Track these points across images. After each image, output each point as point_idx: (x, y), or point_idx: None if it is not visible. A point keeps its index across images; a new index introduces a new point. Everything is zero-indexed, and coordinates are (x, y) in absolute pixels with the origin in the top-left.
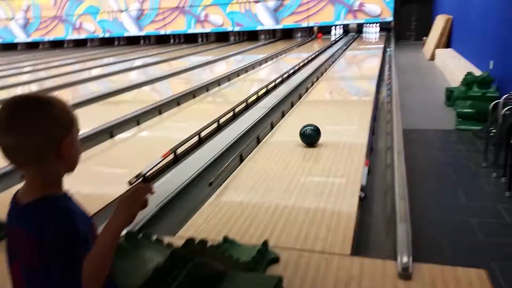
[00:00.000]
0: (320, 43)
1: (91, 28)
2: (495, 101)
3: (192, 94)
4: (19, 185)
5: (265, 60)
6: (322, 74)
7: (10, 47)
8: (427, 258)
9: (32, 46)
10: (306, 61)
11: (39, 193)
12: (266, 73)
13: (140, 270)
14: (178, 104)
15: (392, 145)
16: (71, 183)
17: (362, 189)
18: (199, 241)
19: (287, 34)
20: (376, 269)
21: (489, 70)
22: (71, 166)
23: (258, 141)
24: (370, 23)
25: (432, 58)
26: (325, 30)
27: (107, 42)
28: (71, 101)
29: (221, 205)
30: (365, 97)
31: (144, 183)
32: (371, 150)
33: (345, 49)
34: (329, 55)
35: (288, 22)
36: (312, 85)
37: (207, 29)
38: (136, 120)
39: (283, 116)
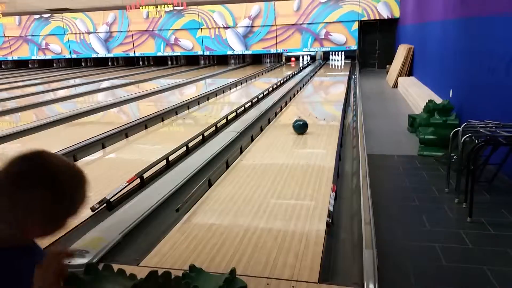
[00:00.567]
0: (293, 67)
1: (57, 49)
2: (455, 129)
3: (161, 117)
4: None
5: (235, 84)
6: (290, 99)
7: None
8: (393, 283)
9: None
10: (275, 86)
11: None
12: (236, 97)
13: None
14: (146, 127)
15: (358, 170)
16: None
17: (329, 215)
18: (163, 273)
19: (256, 59)
20: None
21: (449, 98)
22: None
23: (227, 165)
24: (335, 51)
25: (395, 85)
26: (293, 57)
27: (74, 63)
28: (34, 122)
29: (189, 231)
30: (332, 122)
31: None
32: (338, 175)
33: (313, 75)
34: (297, 80)
35: (257, 48)
36: (281, 109)
37: (177, 52)
38: (101, 143)
39: (252, 140)
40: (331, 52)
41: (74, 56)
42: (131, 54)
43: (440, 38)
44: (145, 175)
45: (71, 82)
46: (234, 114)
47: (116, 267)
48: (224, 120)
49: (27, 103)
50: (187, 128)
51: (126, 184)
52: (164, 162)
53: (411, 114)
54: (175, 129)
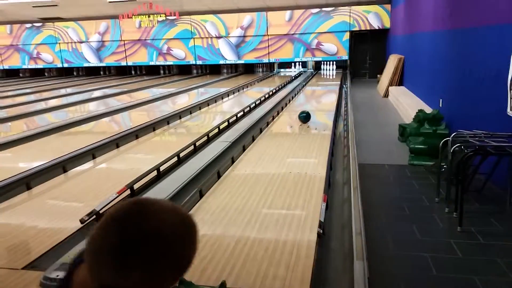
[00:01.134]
0: (286, 77)
1: (49, 58)
2: (445, 139)
3: (152, 126)
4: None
5: (227, 94)
6: (282, 108)
7: None
8: None
9: None
10: (267, 95)
11: None
12: (228, 107)
13: None
14: (137, 137)
15: (349, 180)
16: (23, 219)
17: (320, 225)
18: None
19: (248, 69)
20: None
21: (439, 108)
22: None
23: (219, 175)
24: (327, 61)
25: (386, 95)
26: (286, 66)
27: (66, 72)
28: (25, 132)
29: None
30: (323, 131)
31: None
32: (329, 185)
33: (305, 85)
34: (289, 90)
35: (249, 58)
36: (273, 119)
37: (169, 61)
38: (91, 153)
39: (244, 150)
40: (322, 62)
41: (66, 65)
42: (123, 63)
43: (430, 49)
44: (136, 186)
45: (63, 91)
46: (226, 123)
47: None
48: (216, 130)
49: (17, 112)
50: (179, 138)
51: (116, 196)
52: (155, 173)
53: (401, 124)
54: (167, 139)
